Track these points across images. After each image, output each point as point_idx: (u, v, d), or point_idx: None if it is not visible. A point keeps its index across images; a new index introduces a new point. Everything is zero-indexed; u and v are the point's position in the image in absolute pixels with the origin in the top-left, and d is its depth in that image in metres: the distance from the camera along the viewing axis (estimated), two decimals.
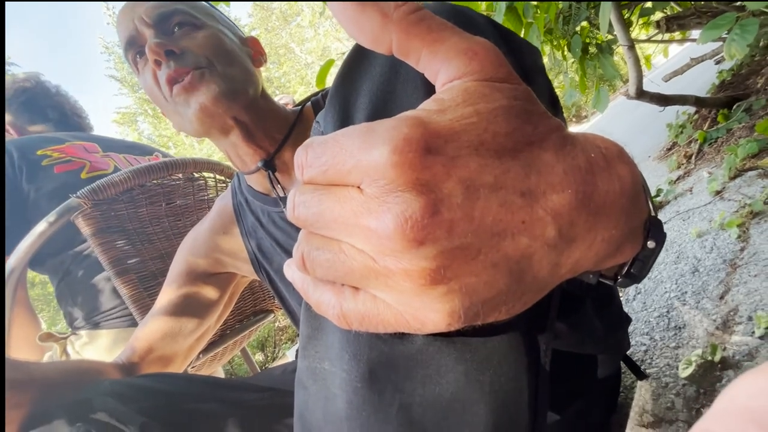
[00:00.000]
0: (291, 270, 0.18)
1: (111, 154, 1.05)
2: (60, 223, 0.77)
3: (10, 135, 1.07)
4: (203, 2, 0.60)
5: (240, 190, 0.67)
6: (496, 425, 0.18)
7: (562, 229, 0.15)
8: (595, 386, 0.39)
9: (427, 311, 0.15)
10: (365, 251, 0.15)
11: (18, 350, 0.89)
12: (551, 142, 0.15)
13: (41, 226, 0.76)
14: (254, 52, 0.61)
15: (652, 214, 0.18)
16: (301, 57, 18.55)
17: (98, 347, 0.90)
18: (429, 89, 0.18)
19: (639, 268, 0.18)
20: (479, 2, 1.48)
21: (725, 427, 0.12)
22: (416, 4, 0.16)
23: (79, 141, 1.02)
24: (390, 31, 0.16)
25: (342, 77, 0.22)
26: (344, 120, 0.21)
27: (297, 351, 0.79)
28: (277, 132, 0.58)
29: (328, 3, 0.16)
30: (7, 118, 1.06)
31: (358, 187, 0.14)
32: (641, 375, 0.49)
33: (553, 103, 0.25)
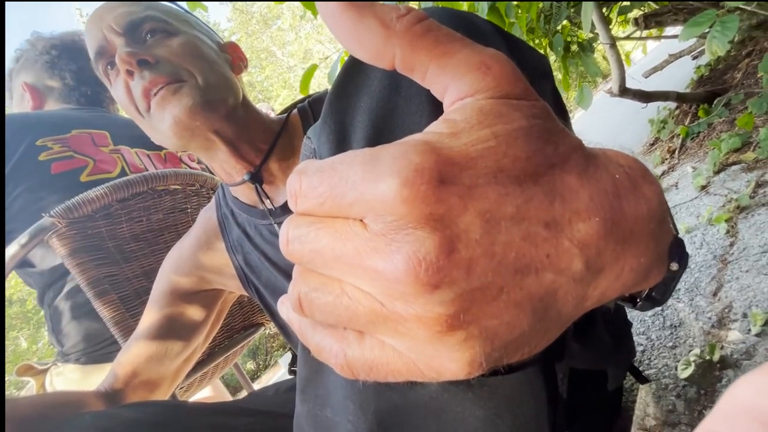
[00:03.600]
0: (286, 309, 0.16)
1: (122, 149, 0.94)
2: (33, 245, 0.73)
3: (26, 100, 0.97)
4: (177, 8, 0.57)
5: (225, 202, 0.64)
6: None
7: (590, 260, 0.13)
8: (602, 398, 0.38)
9: (443, 360, 0.13)
10: (371, 294, 0.13)
11: None
12: (574, 163, 0.14)
13: (13, 248, 0.72)
14: (234, 58, 0.58)
15: (674, 233, 0.17)
16: (282, 60, 18.43)
17: (70, 380, 0.84)
18: (435, 106, 0.17)
19: (662, 291, 0.17)
20: (461, 2, 1.48)
21: (730, 428, 0.12)
22: (421, 13, 0.14)
23: (87, 129, 0.90)
24: (393, 44, 0.14)
25: (337, 92, 0.20)
26: (341, 141, 0.19)
27: (289, 365, 0.77)
28: (261, 142, 0.55)
29: (321, 13, 0.14)
30: (28, 78, 0.96)
31: (362, 221, 0.13)
32: (643, 379, 0.48)
33: (562, 114, 0.24)
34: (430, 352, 0.13)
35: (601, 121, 5.23)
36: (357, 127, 0.19)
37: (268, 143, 0.55)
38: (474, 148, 0.12)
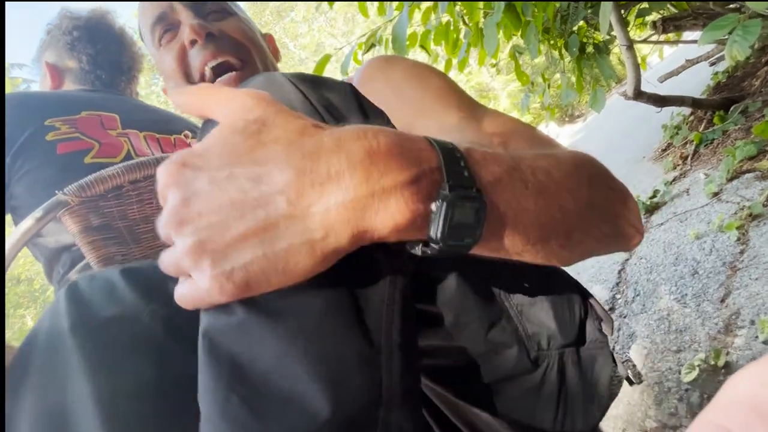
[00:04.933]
0: None
1: (129, 132, 0.92)
2: (47, 220, 0.74)
3: (47, 80, 0.97)
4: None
5: None
6: (322, 382, 0.20)
7: (290, 198, 0.18)
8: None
9: (203, 279, 0.19)
10: (175, 243, 0.20)
11: None
12: (284, 139, 0.19)
13: (27, 222, 0.73)
14: (272, 48, 0.62)
15: (445, 191, 0.20)
16: (295, 53, 18.41)
17: None
18: None
19: (434, 230, 0.20)
20: (478, 1, 1.47)
21: (729, 419, 0.12)
22: (208, 86, 0.24)
23: (97, 111, 0.89)
24: (192, 101, 0.24)
25: (203, 123, 0.28)
26: None
27: None
28: None
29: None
30: (51, 57, 0.96)
31: None
32: (630, 381, 0.47)
33: (364, 114, 0.28)
34: (196, 275, 0.19)
35: (611, 124, 5.17)
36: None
37: None
38: (205, 146, 0.20)
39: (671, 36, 2.22)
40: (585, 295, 0.38)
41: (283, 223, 0.18)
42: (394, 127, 0.28)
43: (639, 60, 1.73)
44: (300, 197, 0.18)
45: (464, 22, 1.88)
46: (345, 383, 0.20)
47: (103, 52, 1.00)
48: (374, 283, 0.22)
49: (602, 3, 1.06)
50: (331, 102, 0.27)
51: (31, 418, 0.30)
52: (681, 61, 2.34)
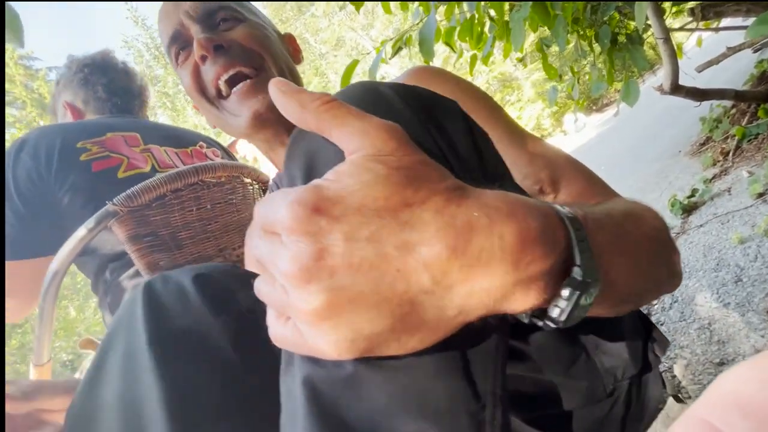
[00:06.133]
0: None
1: (151, 148, 1.02)
2: (99, 229, 0.79)
3: (68, 117, 1.07)
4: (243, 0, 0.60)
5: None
6: None
7: (436, 277, 0.17)
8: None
9: (320, 341, 0.18)
10: (284, 287, 0.18)
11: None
12: (432, 202, 0.18)
13: (81, 232, 0.78)
14: (292, 49, 0.60)
15: (577, 262, 0.20)
16: (315, 47, 18.48)
17: None
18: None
19: (557, 313, 0.20)
20: (505, 1, 1.43)
21: (712, 414, 0.12)
22: (328, 97, 0.21)
23: (120, 132, 0.99)
24: (306, 117, 0.22)
25: (289, 154, 0.27)
26: (291, 178, 0.26)
27: None
28: None
29: (270, 93, 0.23)
30: (68, 97, 1.07)
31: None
32: (678, 398, 0.46)
33: (474, 142, 0.28)
34: (313, 333, 0.18)
35: (644, 114, 4.95)
36: (297, 178, 0.25)
37: None
38: (344, 190, 0.18)
39: (710, 23, 2.10)
40: (641, 315, 0.38)
41: (419, 299, 0.17)
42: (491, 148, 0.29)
43: (676, 49, 1.64)
44: (445, 277, 0.17)
45: (490, 18, 1.84)
46: None
47: (115, 80, 1.10)
48: (482, 338, 0.22)
49: (636, 3, 1.01)
50: (441, 123, 0.26)
51: (108, 409, 0.32)
52: (720, 47, 2.21)
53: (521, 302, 0.19)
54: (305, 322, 0.18)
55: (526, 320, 0.21)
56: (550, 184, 0.41)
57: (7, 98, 10.61)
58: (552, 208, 0.21)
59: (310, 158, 0.25)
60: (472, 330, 0.20)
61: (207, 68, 0.50)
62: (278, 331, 0.20)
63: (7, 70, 10.27)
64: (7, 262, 0.88)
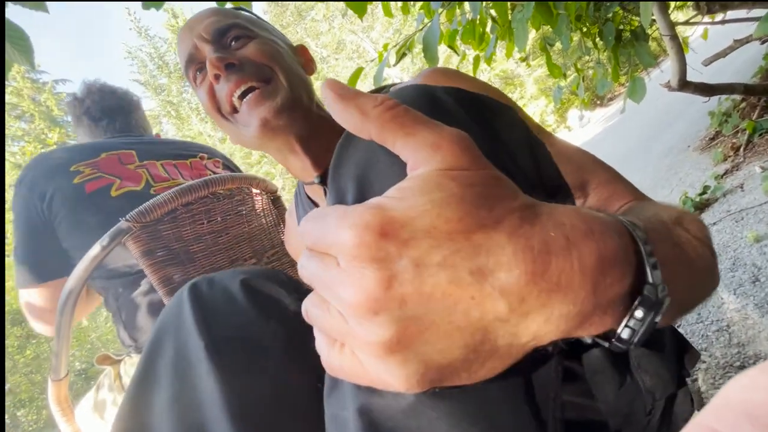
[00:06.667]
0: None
1: (146, 164, 1.05)
2: (112, 246, 0.80)
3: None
4: (253, 15, 0.61)
5: (301, 201, 0.67)
6: None
7: (512, 304, 0.16)
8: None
9: (386, 375, 0.17)
10: (342, 314, 0.17)
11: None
12: (507, 223, 0.16)
13: (95, 250, 0.79)
14: (305, 60, 0.61)
15: (649, 280, 0.19)
16: (316, 51, 18.55)
17: None
18: (403, 167, 0.20)
19: (629, 334, 0.19)
20: (507, 1, 1.43)
21: (720, 422, 0.12)
22: (393, 103, 0.19)
23: (116, 151, 1.03)
24: (368, 126, 0.19)
25: (336, 162, 0.25)
26: (340, 200, 0.24)
27: None
28: (330, 142, 0.57)
29: (323, 96, 0.19)
30: (82, 139, 1.13)
31: (336, 257, 0.17)
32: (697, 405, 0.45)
33: (532, 152, 0.26)
34: (378, 367, 0.17)
35: (650, 108, 4.90)
36: (348, 192, 0.23)
37: (335, 143, 0.56)
38: (413, 210, 0.16)
39: (715, 16, 2.07)
40: (673, 327, 0.37)
41: (492, 326, 0.16)
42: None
43: (682, 45, 1.62)
44: (522, 303, 0.16)
45: (492, 18, 1.84)
46: None
47: (109, 102, 1.15)
48: (543, 363, 0.21)
49: (641, 3, 1.00)
50: (499, 131, 0.25)
51: (162, 414, 0.32)
52: (726, 37, 2.18)
53: (597, 327, 0.18)
54: (371, 354, 0.17)
55: (588, 341, 0.20)
56: (579, 188, 0.40)
57: (15, 112, 10.78)
58: (622, 222, 0.20)
59: (362, 169, 0.23)
60: (533, 354, 0.19)
61: (221, 86, 0.51)
62: (333, 360, 0.19)
63: (14, 83, 10.43)
64: (28, 289, 0.89)
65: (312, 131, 0.54)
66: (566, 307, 0.16)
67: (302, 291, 0.43)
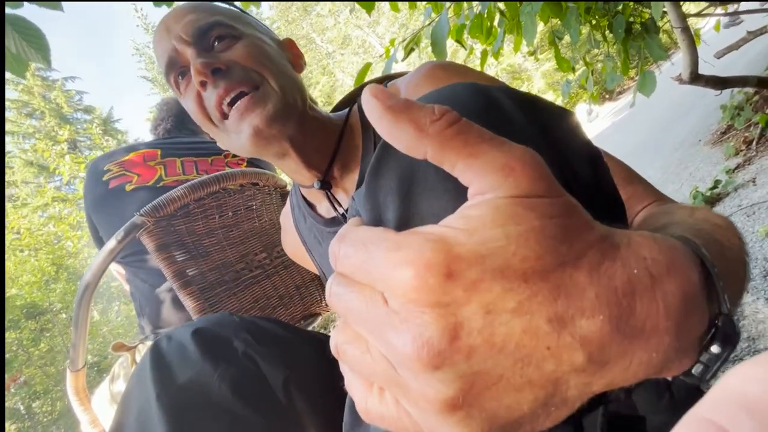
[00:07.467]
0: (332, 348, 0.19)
1: (166, 161, 1.12)
2: (127, 240, 0.82)
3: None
4: (236, 9, 0.57)
5: (297, 203, 0.66)
6: None
7: (592, 355, 0.14)
8: None
9: (439, 427, 0.15)
10: (388, 359, 0.15)
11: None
12: (587, 259, 0.14)
13: (111, 243, 0.81)
14: (293, 55, 0.57)
15: (724, 311, 0.17)
16: (322, 47, 18.52)
17: None
18: (462, 189, 0.17)
19: (701, 371, 0.16)
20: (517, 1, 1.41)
21: (717, 414, 0.11)
22: (454, 116, 0.15)
23: (143, 150, 1.11)
24: (425, 144, 0.15)
25: (374, 171, 0.21)
26: (377, 217, 0.21)
27: None
28: (326, 145, 0.55)
29: (365, 110, 0.16)
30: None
31: (383, 293, 0.15)
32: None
33: (591, 161, 0.23)
34: (433, 423, 0.15)
35: (661, 101, 4.83)
36: (389, 208, 0.20)
37: (330, 144, 0.55)
38: (484, 247, 0.14)
39: (728, 7, 2.03)
40: None
41: (565, 377, 0.14)
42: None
43: (694, 38, 1.60)
44: (602, 353, 0.14)
45: (500, 12, 1.82)
46: None
47: (167, 108, 1.25)
48: (597, 404, 0.20)
49: (652, 3, 0.98)
50: (558, 141, 0.22)
51: None
52: (739, 29, 2.14)
53: (675, 370, 0.16)
54: (428, 411, 0.15)
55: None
56: None
57: (26, 109, 10.93)
58: (692, 248, 0.17)
59: (406, 182, 0.20)
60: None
61: (208, 94, 0.48)
62: (372, 407, 0.16)
63: (24, 81, 10.57)
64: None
65: (306, 134, 0.52)
66: (648, 354, 0.15)
67: (253, 330, 0.44)
